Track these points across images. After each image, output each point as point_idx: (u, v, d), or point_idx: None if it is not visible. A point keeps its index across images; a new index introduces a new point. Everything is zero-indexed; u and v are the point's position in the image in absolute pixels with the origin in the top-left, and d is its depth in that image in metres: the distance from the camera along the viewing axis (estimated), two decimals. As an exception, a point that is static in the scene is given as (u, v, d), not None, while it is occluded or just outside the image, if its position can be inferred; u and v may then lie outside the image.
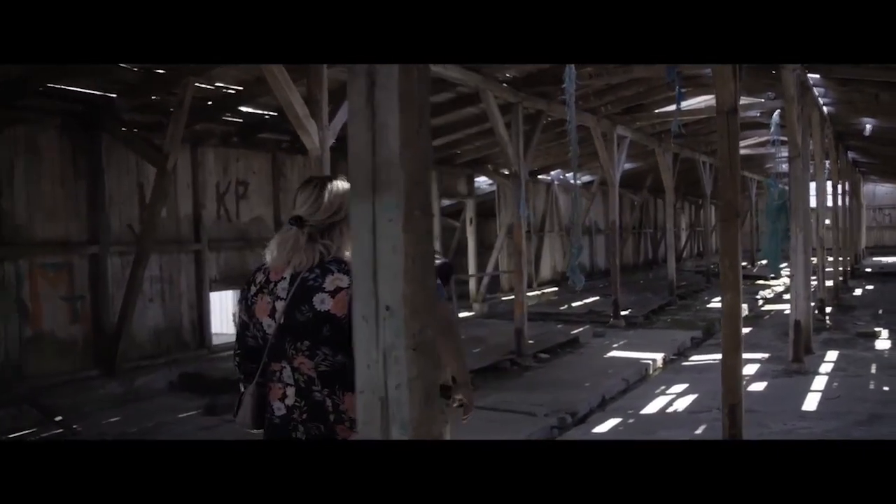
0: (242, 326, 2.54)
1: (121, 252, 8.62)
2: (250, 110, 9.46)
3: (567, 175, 19.47)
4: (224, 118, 9.55)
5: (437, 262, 3.10)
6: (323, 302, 2.34)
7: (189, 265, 9.49)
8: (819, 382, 8.18)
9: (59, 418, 7.13)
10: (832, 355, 9.75)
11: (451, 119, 11.67)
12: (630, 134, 14.12)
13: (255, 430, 2.56)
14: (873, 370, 8.74)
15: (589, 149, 14.16)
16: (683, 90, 10.43)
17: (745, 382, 8.33)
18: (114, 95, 8.05)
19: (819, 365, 9.08)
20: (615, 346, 11.29)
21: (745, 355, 10.05)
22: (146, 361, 8.78)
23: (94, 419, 7.35)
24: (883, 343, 10.58)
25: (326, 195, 2.43)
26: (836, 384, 8.07)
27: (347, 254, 2.36)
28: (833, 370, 8.81)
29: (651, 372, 9.68)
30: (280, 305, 2.40)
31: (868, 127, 13.89)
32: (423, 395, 1.61)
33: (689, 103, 12.60)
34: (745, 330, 12.66)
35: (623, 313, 13.96)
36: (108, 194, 8.51)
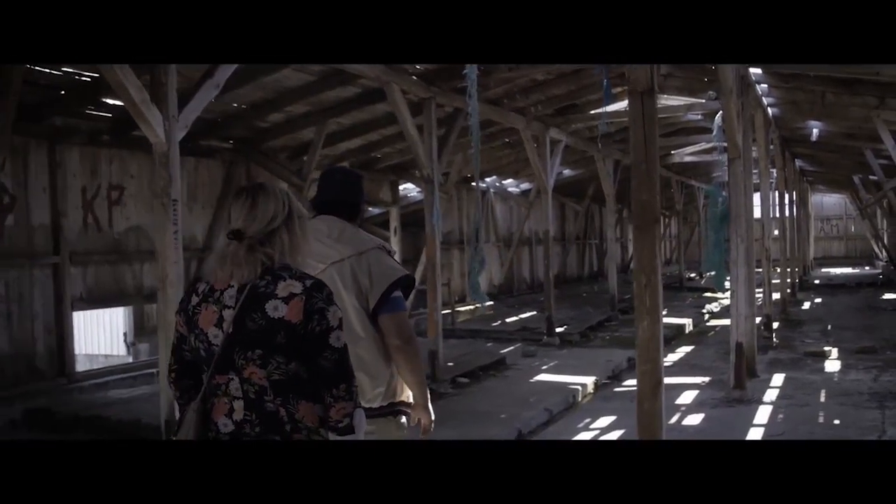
0: (179, 340, 2.43)
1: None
2: (120, 103, 8.18)
3: (504, 182, 18.50)
4: (88, 111, 8.28)
5: (399, 273, 3.02)
6: (276, 308, 2.27)
7: (45, 282, 8.18)
8: (762, 414, 7.19)
9: None
10: (778, 379, 8.80)
11: (363, 118, 10.55)
12: (565, 137, 13.12)
13: None
14: (822, 398, 7.78)
15: (524, 153, 13.17)
16: (616, 90, 9.46)
17: (679, 414, 7.38)
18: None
19: (763, 392, 8.10)
20: (544, 368, 10.26)
21: (684, 380, 9.20)
22: (-15, 395, 7.46)
23: None
24: (832, 364, 9.68)
25: (261, 204, 2.36)
26: (780, 416, 7.08)
27: (293, 260, 2.38)
28: (778, 398, 7.83)
29: (580, 399, 8.64)
30: (228, 314, 2.30)
31: (815, 131, 13.08)
32: None
33: (625, 105, 11.64)
34: (688, 348, 11.87)
35: (559, 330, 12.97)
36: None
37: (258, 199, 2.36)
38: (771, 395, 7.99)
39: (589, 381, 9.21)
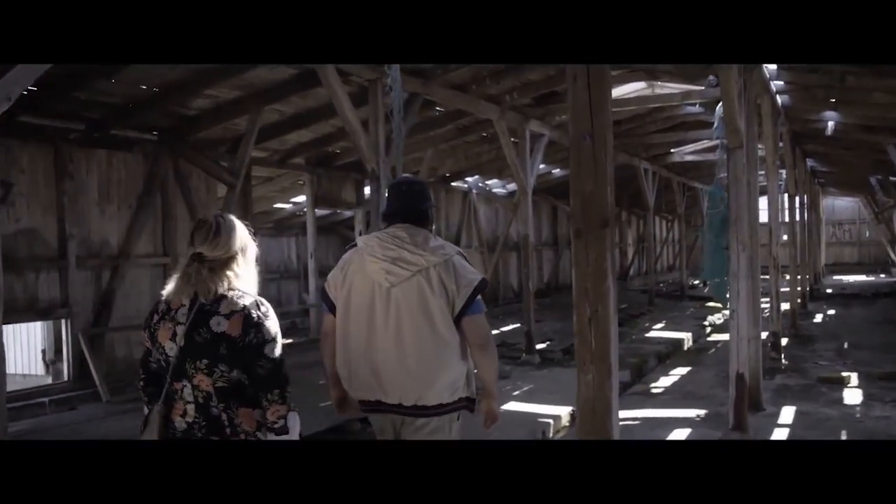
0: (146, 353, 2.81)
1: None
2: None
3: (489, 182, 17.12)
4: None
5: (478, 278, 3.23)
6: (219, 324, 2.61)
7: None
8: (768, 466, 5.76)
9: None
10: (787, 414, 7.37)
11: (307, 105, 9.17)
12: (548, 132, 11.71)
13: None
14: (842, 442, 6.36)
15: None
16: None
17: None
18: None
19: (769, 433, 6.66)
20: (516, 393, 8.88)
21: (675, 412, 7.73)
22: None
23: None
24: (852, 394, 8.22)
25: (223, 235, 2.68)
26: (791, 470, 5.66)
27: (241, 283, 2.69)
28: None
29: (550, 435, 7.27)
30: (180, 329, 2.65)
31: (830, 124, 11.62)
32: None
33: (614, 93, 10.23)
34: (683, 370, 10.41)
35: (540, 346, 11.58)
36: None
37: (220, 231, 2.67)
38: (778, 437, 6.56)
39: (564, 411, 7.85)
